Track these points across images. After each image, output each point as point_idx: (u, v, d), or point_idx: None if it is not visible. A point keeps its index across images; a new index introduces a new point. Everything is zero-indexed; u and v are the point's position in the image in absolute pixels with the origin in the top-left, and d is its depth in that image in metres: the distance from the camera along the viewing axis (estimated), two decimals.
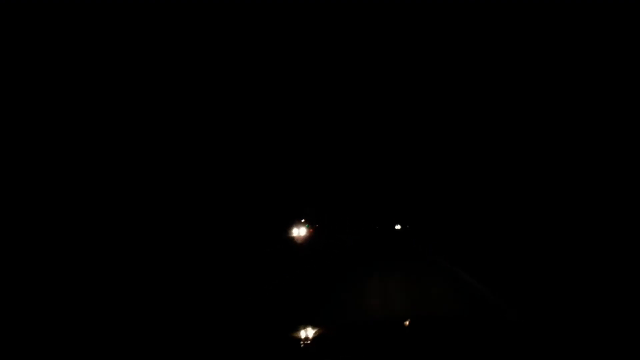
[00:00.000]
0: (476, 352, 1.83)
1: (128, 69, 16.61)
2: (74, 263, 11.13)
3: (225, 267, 12.75)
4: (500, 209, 28.30)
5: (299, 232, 33.44)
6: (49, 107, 13.46)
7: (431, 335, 2.20)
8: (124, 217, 14.85)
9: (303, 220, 36.56)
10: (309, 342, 2.13)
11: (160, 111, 17.33)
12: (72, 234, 12.72)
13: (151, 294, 8.01)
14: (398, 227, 60.14)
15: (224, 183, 21.98)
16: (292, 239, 29.07)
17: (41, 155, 12.91)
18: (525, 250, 14.82)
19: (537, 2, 19.97)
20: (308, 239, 30.00)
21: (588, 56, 18.64)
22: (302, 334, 2.30)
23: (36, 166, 12.67)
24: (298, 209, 36.24)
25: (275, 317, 6.18)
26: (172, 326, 5.70)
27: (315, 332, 2.31)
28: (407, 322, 2.64)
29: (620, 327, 2.22)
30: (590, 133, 19.20)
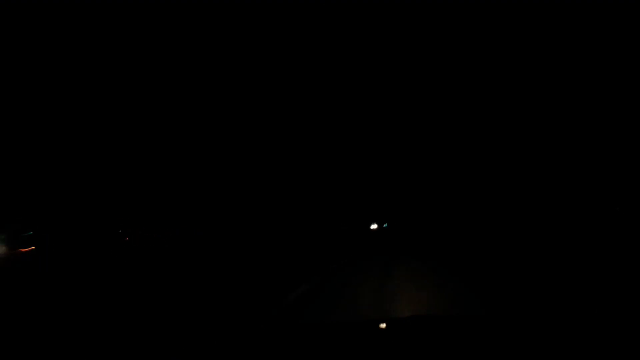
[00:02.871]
0: (473, 352, 1.83)
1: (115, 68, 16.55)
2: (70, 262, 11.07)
3: None
4: (483, 206, 28.31)
5: None
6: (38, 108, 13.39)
7: (428, 334, 2.20)
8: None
9: None
10: (305, 342, 2.13)
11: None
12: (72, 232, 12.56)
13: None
14: (374, 226, 55.96)
15: None
16: None
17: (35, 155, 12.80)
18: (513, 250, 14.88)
19: (537, 2, 19.98)
20: None
21: (588, 56, 18.65)
22: (298, 333, 2.30)
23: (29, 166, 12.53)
24: None
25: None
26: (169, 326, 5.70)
27: (311, 332, 2.31)
28: (403, 321, 2.64)
29: (619, 327, 2.23)
30: (572, 132, 19.28)
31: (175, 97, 20.45)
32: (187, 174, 21.83)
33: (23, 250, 12.22)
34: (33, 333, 5.36)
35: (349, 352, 1.93)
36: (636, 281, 7.95)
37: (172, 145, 20.91)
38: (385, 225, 54.02)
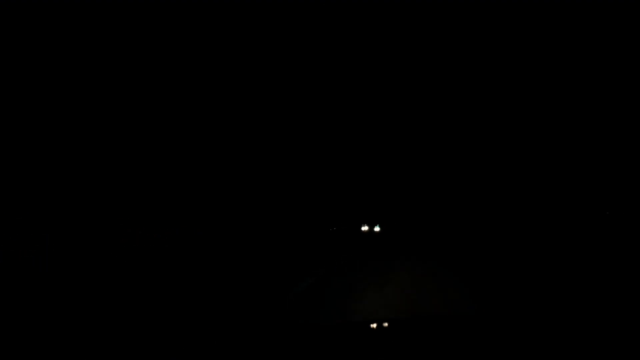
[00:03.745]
0: (471, 351, 1.85)
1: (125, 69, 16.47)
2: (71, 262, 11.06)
3: None
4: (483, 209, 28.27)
5: None
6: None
7: (427, 334, 2.21)
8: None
9: None
10: (305, 342, 2.15)
11: None
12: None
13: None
14: (365, 228, 52.40)
15: None
16: None
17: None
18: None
19: (537, 2, 19.97)
20: None
21: (586, 56, 18.66)
22: (300, 334, 2.31)
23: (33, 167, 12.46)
24: None
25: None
26: (171, 326, 5.71)
27: (311, 332, 2.33)
28: (403, 321, 2.66)
29: (617, 327, 2.24)
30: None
31: (175, 96, 20.42)
32: (187, 173, 21.83)
33: None
34: (33, 333, 5.37)
35: (349, 352, 1.94)
36: (630, 281, 7.99)
37: (172, 144, 20.91)
38: (376, 228, 50.71)
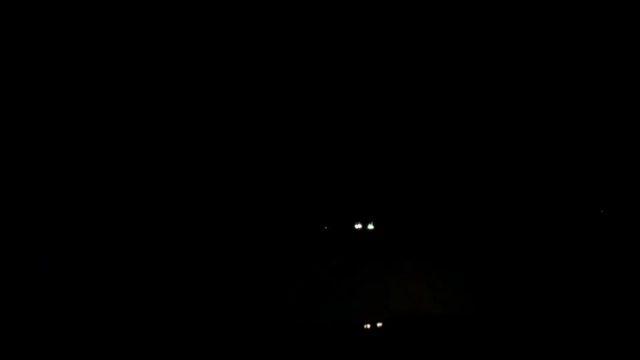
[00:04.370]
0: (470, 351, 1.85)
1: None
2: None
3: None
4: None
5: None
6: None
7: (426, 334, 2.21)
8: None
9: None
10: (305, 342, 2.15)
11: None
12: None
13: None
14: (358, 226, 48.34)
15: None
16: None
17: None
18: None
19: (536, 2, 19.97)
20: None
21: (585, 56, 18.67)
22: (299, 334, 2.32)
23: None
24: None
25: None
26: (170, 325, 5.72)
27: (310, 332, 2.33)
28: (402, 321, 2.66)
29: (616, 327, 2.24)
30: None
31: (175, 95, 20.42)
32: (186, 174, 21.82)
33: None
34: (34, 333, 5.37)
35: (349, 352, 1.95)
36: (628, 280, 8.00)
37: (172, 144, 20.91)
38: (370, 226, 47.75)
